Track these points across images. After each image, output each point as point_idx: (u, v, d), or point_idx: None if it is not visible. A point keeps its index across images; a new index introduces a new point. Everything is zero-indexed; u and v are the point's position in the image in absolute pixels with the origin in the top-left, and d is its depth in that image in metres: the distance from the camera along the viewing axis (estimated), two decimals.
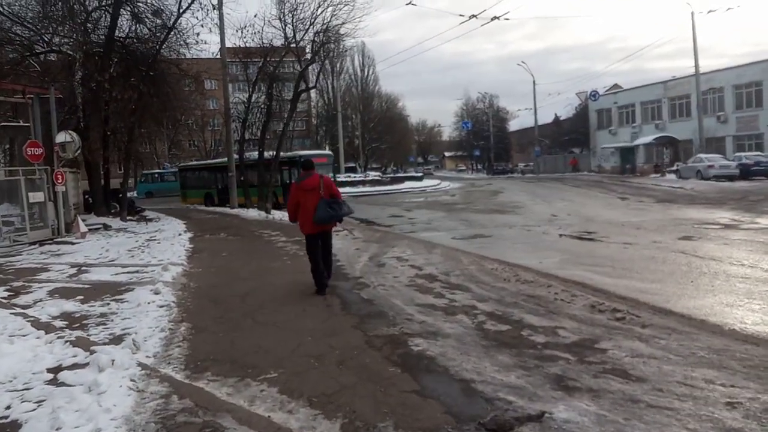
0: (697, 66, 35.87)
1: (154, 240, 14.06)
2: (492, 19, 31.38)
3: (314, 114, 69.13)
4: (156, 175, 53.16)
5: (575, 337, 5.13)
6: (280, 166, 24.21)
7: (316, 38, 20.56)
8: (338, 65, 62.84)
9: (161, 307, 6.89)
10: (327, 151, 31.76)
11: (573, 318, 5.71)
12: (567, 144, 57.75)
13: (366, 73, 70.74)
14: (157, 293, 7.54)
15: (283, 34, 20.78)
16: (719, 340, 4.91)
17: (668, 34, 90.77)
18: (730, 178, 28.64)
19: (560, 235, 12.11)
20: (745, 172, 29.10)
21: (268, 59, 21.83)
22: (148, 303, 7.05)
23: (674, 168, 34.72)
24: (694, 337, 5.03)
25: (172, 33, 19.65)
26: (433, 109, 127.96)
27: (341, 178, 33.63)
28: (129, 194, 35.22)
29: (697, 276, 7.49)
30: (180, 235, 14.93)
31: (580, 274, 7.82)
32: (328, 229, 7.82)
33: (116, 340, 5.50)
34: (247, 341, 5.45)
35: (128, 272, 9.47)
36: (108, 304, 7.12)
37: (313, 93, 68.63)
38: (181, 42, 19.47)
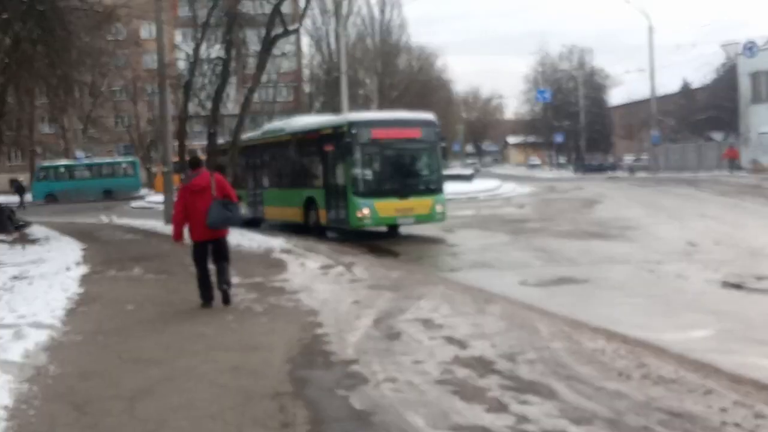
0: None
1: (24, 278, 13.20)
2: None
3: (307, 77, 68.90)
4: (62, 170, 52.95)
5: None
6: (320, 144, 19.81)
7: None
8: (346, 5, 62.72)
9: None
10: (425, 115, 20.72)
11: None
12: (703, 126, 56.38)
13: (388, 16, 70.50)
14: None
15: None
16: None
17: None
18: None
19: (708, 282, 11.11)
20: None
21: None
22: None
23: None
24: None
25: None
26: (491, 70, 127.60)
27: None
28: (10, 199, 34.66)
29: None
30: (68, 269, 14.03)
31: (763, 365, 6.73)
32: (222, 235, 10.15)
33: None
34: None
35: None
36: None
37: (305, 45, 69.07)
38: None
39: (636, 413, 5.48)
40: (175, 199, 11.83)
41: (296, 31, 28.48)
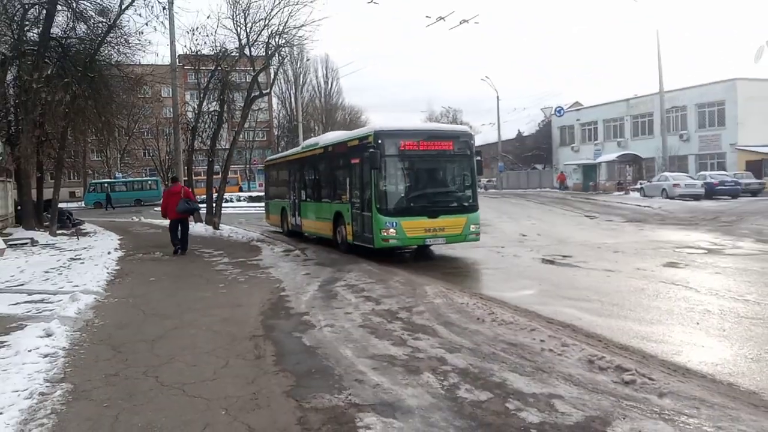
0: (661, 84, 35.81)
1: (78, 259, 12.46)
2: (461, 23, 30.49)
3: (275, 124, 67.79)
4: (106, 185, 50.40)
5: (578, 413, 3.90)
6: (348, 157, 12.97)
7: (270, 41, 19.03)
8: (302, 77, 62.02)
9: (45, 356, 5.46)
10: (460, 127, 15.40)
11: (570, 380, 4.52)
12: (530, 160, 57.75)
13: (330, 85, 70.10)
14: (48, 335, 6.11)
15: (236, 37, 19.28)
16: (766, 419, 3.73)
17: (632, 54, 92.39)
18: (696, 197, 28.33)
19: (533, 259, 11.14)
20: (710, 192, 28.88)
21: (219, 65, 20.32)
22: (30, 351, 5.58)
23: (638, 186, 34.46)
24: (732, 413, 3.84)
25: (115, 32, 17.95)
26: (398, 122, 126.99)
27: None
28: (70, 205, 32.86)
29: (701, 316, 6.43)
30: (109, 253, 13.33)
31: (566, 312, 6.73)
32: (185, 218, 13.59)
33: None
34: (135, 419, 4.02)
35: (31, 301, 8.00)
36: None
37: (275, 103, 67.93)
38: (122, 41, 17.74)
39: (488, 344, 5.50)
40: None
41: (268, 93, 27.87)
